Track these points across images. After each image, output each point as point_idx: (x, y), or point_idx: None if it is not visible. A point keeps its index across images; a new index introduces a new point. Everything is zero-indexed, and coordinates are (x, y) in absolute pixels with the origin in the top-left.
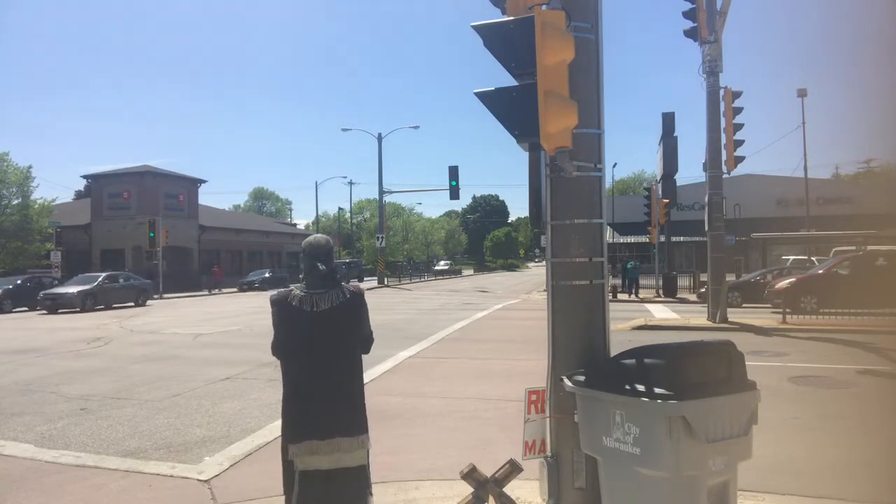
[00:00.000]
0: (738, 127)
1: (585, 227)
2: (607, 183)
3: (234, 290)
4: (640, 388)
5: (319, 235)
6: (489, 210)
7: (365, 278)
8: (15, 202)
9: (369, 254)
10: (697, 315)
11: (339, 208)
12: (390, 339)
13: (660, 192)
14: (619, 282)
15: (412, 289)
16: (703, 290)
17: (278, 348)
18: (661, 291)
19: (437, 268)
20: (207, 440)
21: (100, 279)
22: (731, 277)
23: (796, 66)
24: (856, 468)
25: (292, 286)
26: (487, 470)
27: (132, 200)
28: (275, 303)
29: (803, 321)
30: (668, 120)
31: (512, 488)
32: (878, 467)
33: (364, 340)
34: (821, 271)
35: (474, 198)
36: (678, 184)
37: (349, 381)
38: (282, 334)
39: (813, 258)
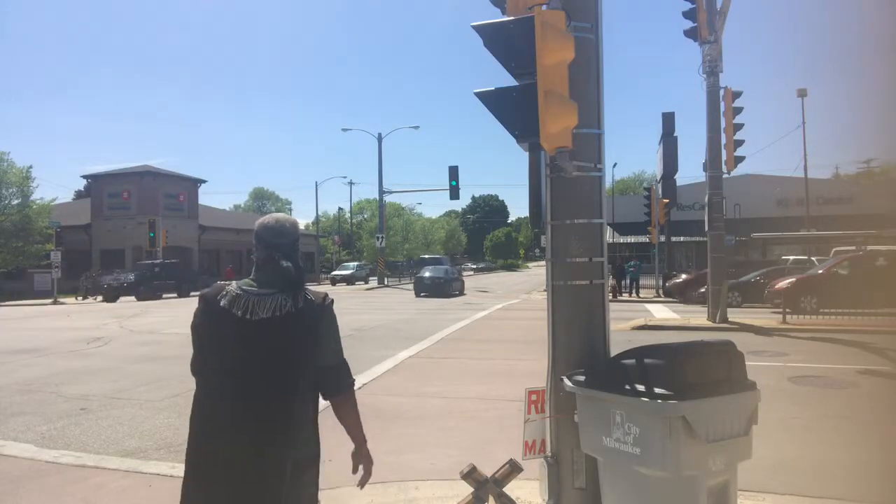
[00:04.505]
0: (738, 127)
1: (585, 227)
2: (607, 183)
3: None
4: (640, 388)
5: (282, 216)
6: (489, 210)
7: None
8: (15, 202)
9: (369, 253)
10: (697, 315)
11: (339, 208)
12: (390, 339)
13: (660, 192)
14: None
15: (412, 288)
16: (703, 289)
17: (193, 364)
18: (661, 291)
19: (336, 271)
20: None
21: None
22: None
23: (796, 66)
24: (856, 468)
25: (233, 282)
26: (487, 470)
27: (132, 200)
28: (201, 298)
29: (803, 321)
30: (668, 120)
31: (512, 488)
32: (878, 467)
33: (326, 373)
34: (821, 271)
35: (474, 198)
36: (678, 184)
37: (282, 437)
38: (196, 344)
39: (813, 258)
